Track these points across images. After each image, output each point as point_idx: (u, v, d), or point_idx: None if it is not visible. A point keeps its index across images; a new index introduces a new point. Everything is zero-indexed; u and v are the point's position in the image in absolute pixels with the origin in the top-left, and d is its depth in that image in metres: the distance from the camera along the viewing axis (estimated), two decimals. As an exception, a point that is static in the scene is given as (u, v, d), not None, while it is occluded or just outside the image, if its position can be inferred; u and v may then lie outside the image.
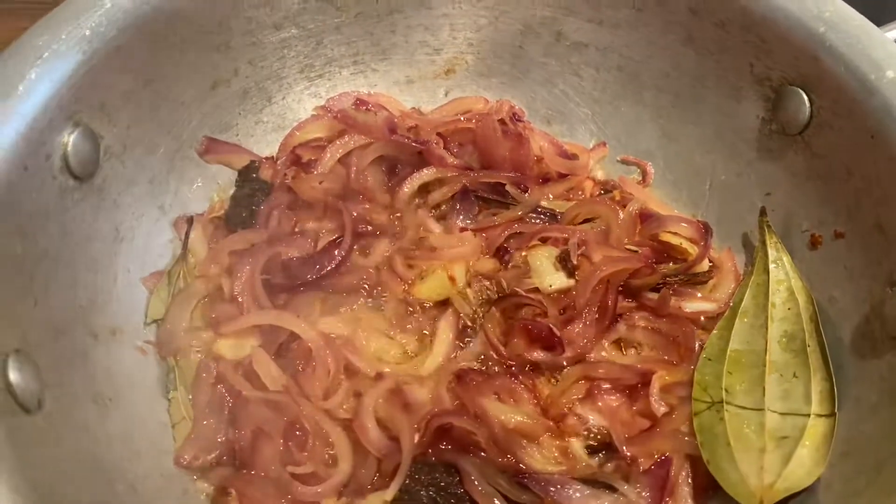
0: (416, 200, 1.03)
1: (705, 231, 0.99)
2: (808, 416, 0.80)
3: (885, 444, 0.71)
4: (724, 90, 0.99)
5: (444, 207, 1.02)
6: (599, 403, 0.87)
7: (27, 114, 0.77)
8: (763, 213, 0.94)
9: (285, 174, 1.03)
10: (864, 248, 0.84)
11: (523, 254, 0.98)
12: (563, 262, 0.95)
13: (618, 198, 1.04)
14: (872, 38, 0.84)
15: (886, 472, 0.68)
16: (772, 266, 0.91)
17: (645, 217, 1.01)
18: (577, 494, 0.79)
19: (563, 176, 1.06)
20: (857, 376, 0.80)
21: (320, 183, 1.01)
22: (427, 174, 1.02)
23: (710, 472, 0.80)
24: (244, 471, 0.84)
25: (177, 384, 0.91)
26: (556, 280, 0.94)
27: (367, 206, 1.02)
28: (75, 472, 0.73)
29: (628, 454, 0.84)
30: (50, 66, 0.81)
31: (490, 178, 1.02)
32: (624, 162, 1.10)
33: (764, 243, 0.92)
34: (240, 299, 0.93)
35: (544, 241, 0.98)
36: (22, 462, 0.64)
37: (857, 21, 0.86)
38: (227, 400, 0.88)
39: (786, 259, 0.91)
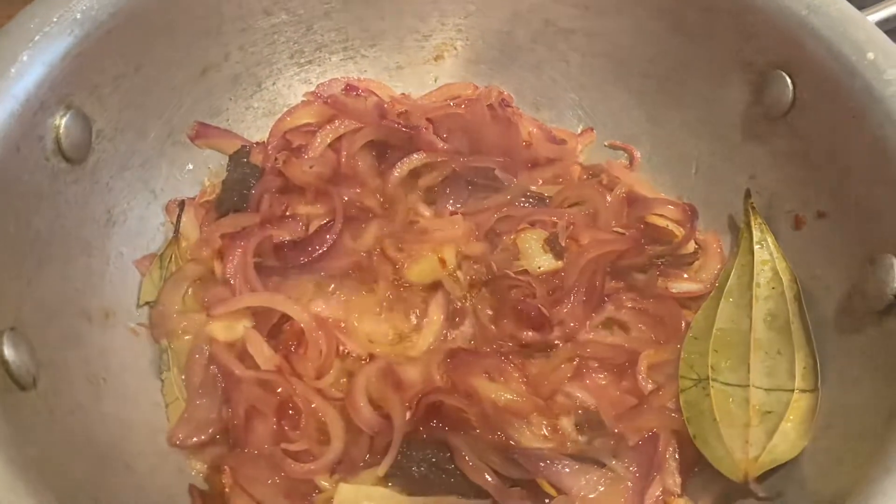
0: (407, 185, 1.03)
1: (691, 213, 1.01)
2: (792, 391, 0.82)
3: (866, 416, 0.73)
4: (710, 75, 1.00)
5: (434, 191, 1.03)
6: (588, 382, 0.89)
7: (19, 95, 0.78)
8: (748, 195, 0.96)
9: (276, 158, 1.03)
10: (845, 227, 0.85)
11: (512, 237, 0.99)
12: (552, 245, 0.96)
13: (605, 181, 1.05)
14: (854, 21, 0.85)
15: (866, 443, 0.69)
16: (756, 247, 0.92)
17: (632, 200, 1.02)
18: (566, 469, 0.81)
19: (551, 161, 1.07)
20: (839, 351, 0.81)
21: (311, 167, 1.02)
22: (417, 159, 1.03)
23: (696, 446, 0.82)
24: (237, 449, 0.85)
25: (170, 365, 0.91)
26: (544, 262, 0.95)
27: (358, 191, 1.03)
28: (69, 448, 0.74)
29: (616, 431, 0.85)
30: (42, 48, 0.81)
31: (479, 162, 1.03)
32: (611, 147, 1.12)
33: (749, 225, 0.94)
34: (232, 281, 0.94)
35: (533, 224, 1.00)
36: (17, 437, 0.65)
37: (840, 4, 0.87)
38: (219, 380, 0.89)
39: (770, 240, 0.92)
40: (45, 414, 0.73)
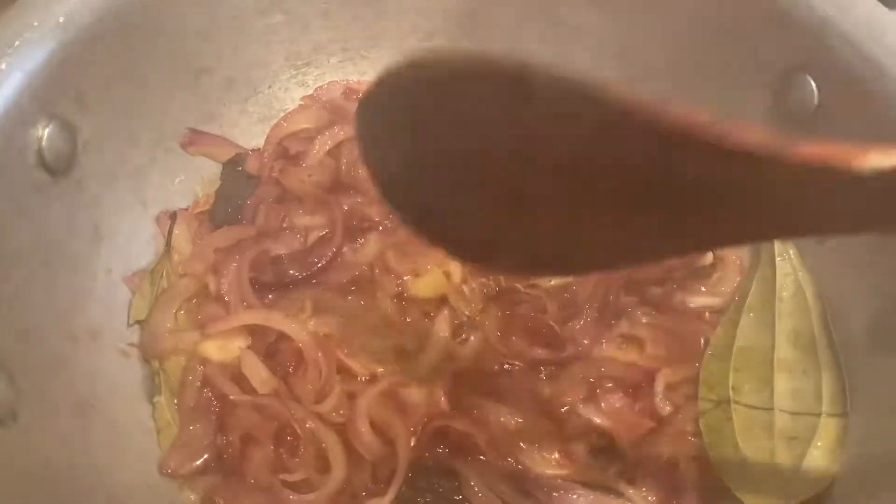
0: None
1: (709, 223, 0.96)
2: (820, 415, 0.78)
3: (902, 443, 0.69)
4: (728, 78, 0.95)
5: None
6: (602, 404, 0.84)
7: (-3, 106, 0.73)
8: (768, 203, 0.91)
9: (272, 167, 0.99)
10: (873, 239, 0.81)
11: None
12: None
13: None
14: (883, 22, 0.80)
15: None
16: (777, 259, 0.88)
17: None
18: (581, 500, 0.77)
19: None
20: (869, 373, 0.77)
21: (309, 176, 0.98)
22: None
23: (717, 474, 0.78)
24: (233, 478, 0.80)
25: (162, 388, 0.87)
26: None
27: (360, 200, 0.98)
28: (52, 482, 0.69)
29: (632, 456, 0.81)
30: (22, 55, 0.76)
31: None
32: (623, 152, 1.07)
33: (769, 236, 0.89)
34: (226, 298, 0.90)
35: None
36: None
37: (868, 4, 0.82)
38: (213, 404, 0.85)
39: (792, 252, 0.88)
40: (27, 447, 0.68)
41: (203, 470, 0.81)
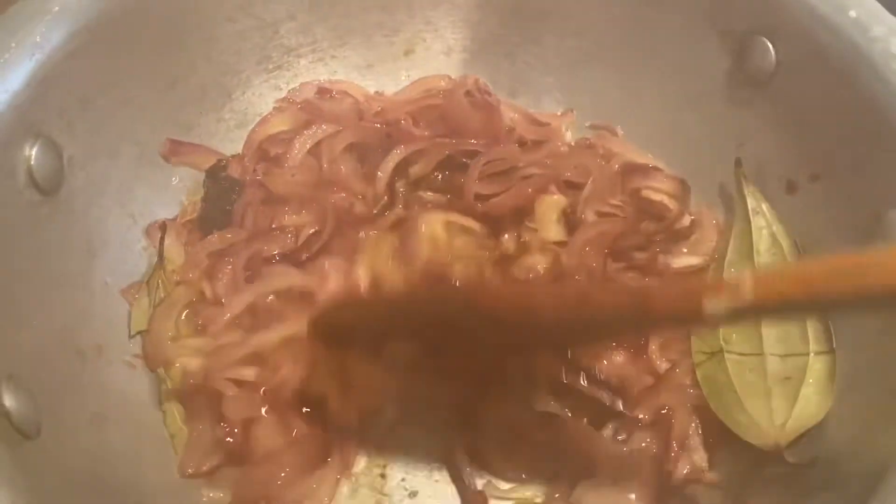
0: (396, 184, 1.01)
1: (684, 187, 1.00)
2: (808, 354, 0.82)
3: (890, 374, 0.73)
4: (688, 46, 0.99)
5: (431, 179, 1.01)
6: (605, 362, 0.88)
7: (-15, 129, 0.74)
8: (738, 163, 0.95)
9: (255, 171, 1.00)
10: (842, 188, 0.85)
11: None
12: (567, 217, 0.97)
13: (602, 152, 1.04)
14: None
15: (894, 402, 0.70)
16: (752, 215, 0.92)
17: (627, 171, 1.02)
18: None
19: (538, 143, 1.05)
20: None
21: (293, 176, 0.99)
22: (398, 154, 1.00)
23: (719, 421, 0.82)
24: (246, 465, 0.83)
25: (169, 395, 0.88)
26: (555, 232, 0.96)
27: (344, 196, 1.00)
28: (82, 492, 0.70)
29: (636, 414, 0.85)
30: (3, 76, 0.77)
31: (466, 145, 1.01)
32: (592, 128, 1.10)
33: (742, 194, 0.94)
34: (224, 301, 0.91)
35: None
36: (28, 488, 0.62)
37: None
38: (214, 401, 0.85)
39: (765, 206, 0.92)
40: (52, 461, 0.69)
41: (219, 465, 0.83)
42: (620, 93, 1.08)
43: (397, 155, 1.00)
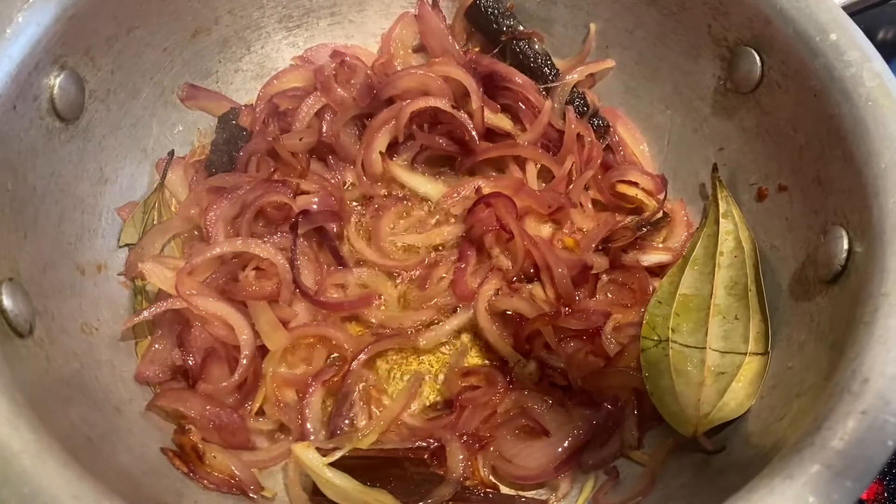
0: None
1: (662, 184, 1.05)
2: (745, 354, 0.87)
3: (807, 377, 0.78)
4: (684, 49, 1.03)
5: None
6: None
7: (15, 56, 0.81)
8: (715, 168, 1.00)
9: (266, 122, 1.07)
10: (804, 200, 0.89)
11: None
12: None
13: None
14: (819, 2, 0.88)
15: (803, 401, 0.75)
16: (722, 219, 0.97)
17: (608, 166, 1.07)
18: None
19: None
20: (789, 317, 0.86)
21: (301, 140, 1.05)
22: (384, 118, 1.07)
23: (652, 402, 0.88)
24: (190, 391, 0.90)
25: (143, 305, 0.95)
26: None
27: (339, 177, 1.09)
28: (64, 391, 0.78)
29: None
30: (36, 10, 0.84)
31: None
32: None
33: (716, 197, 0.98)
34: (209, 230, 0.97)
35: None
36: (17, 380, 0.69)
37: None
38: (181, 323, 0.92)
39: (735, 211, 0.96)
40: (41, 360, 0.77)
41: (170, 378, 0.91)
42: (619, 86, 1.13)
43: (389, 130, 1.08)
